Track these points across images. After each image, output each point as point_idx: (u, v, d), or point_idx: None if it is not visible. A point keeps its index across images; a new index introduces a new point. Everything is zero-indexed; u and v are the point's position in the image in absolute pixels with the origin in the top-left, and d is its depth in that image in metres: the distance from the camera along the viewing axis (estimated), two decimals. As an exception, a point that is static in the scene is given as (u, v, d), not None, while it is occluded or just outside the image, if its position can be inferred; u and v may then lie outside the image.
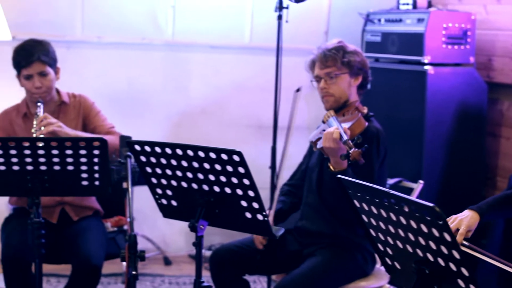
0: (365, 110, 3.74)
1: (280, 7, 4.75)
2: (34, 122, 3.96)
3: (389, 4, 5.63)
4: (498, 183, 5.25)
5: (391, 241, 2.55)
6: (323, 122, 3.77)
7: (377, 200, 2.45)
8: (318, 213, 3.84)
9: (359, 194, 2.54)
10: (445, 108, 5.08)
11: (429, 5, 5.28)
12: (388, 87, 5.30)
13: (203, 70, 6.04)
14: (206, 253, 5.52)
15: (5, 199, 5.15)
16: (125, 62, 5.85)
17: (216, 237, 6.02)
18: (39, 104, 4.06)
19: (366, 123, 3.60)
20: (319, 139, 3.57)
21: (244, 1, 5.97)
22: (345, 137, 3.33)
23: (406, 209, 2.34)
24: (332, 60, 3.76)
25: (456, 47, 5.11)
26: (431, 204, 2.25)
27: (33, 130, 3.91)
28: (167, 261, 5.89)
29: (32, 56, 4.07)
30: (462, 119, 5.12)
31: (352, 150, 3.28)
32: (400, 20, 5.26)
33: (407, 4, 5.32)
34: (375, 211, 2.50)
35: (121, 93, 5.83)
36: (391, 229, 2.48)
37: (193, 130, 6.03)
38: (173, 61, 5.96)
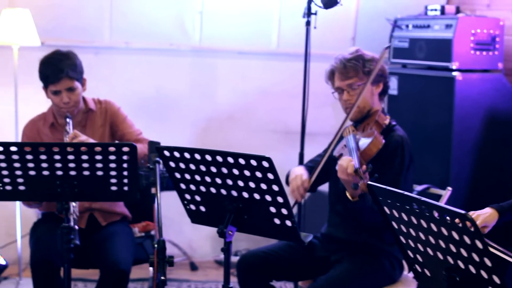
0: (387, 120, 3.72)
1: (309, 13, 4.74)
2: (65, 139, 3.96)
3: (417, 10, 5.62)
4: (527, 190, 5.23)
5: (421, 248, 2.54)
6: (343, 136, 3.76)
7: (407, 207, 2.44)
8: (346, 221, 3.83)
9: (389, 201, 2.54)
10: (473, 114, 5.06)
11: (457, 11, 5.27)
12: (416, 93, 5.29)
13: (230, 75, 6.06)
14: (232, 258, 5.50)
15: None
16: (153, 67, 5.88)
17: (242, 243, 6.02)
18: (68, 120, 4.06)
19: (383, 141, 3.56)
20: (341, 155, 3.57)
21: (271, 7, 5.98)
22: (356, 165, 3.31)
23: (437, 216, 2.33)
24: (353, 70, 3.73)
25: (484, 53, 5.09)
26: (463, 211, 2.24)
27: None
28: (193, 267, 5.90)
29: (61, 72, 4.05)
30: (490, 125, 5.10)
31: (360, 182, 3.28)
32: (428, 26, 5.25)
33: (435, 10, 5.31)
34: (405, 217, 2.49)
35: (149, 99, 5.86)
36: (422, 236, 2.48)
37: (220, 135, 6.05)
38: (200, 66, 5.98)
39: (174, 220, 5.71)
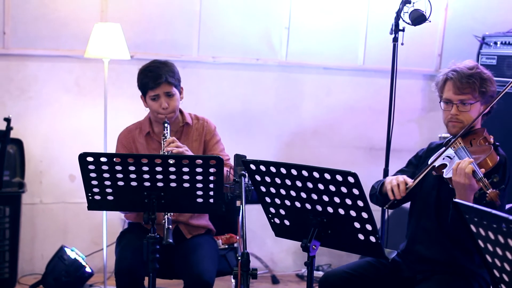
0: (492, 139, 3.61)
1: (396, 29, 4.72)
2: (162, 144, 4.04)
3: (505, 27, 5.56)
4: None
5: (508, 268, 2.51)
6: (449, 147, 3.62)
7: (494, 226, 2.41)
8: (435, 239, 3.73)
9: (476, 219, 2.51)
10: (562, 133, 4.97)
11: (547, 28, 5.20)
12: (503, 111, 5.20)
13: (315, 91, 6.08)
14: (314, 273, 5.50)
15: (120, 214, 5.30)
16: (239, 82, 5.95)
17: (324, 257, 6.02)
18: (166, 125, 4.14)
19: (498, 157, 3.46)
20: (443, 165, 3.51)
21: (357, 23, 5.99)
22: (479, 175, 3.24)
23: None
24: (470, 88, 3.63)
25: None
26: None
27: (161, 152, 4.00)
28: (274, 280, 5.92)
29: (160, 78, 4.14)
30: None
31: (489, 190, 3.19)
32: (517, 44, 5.20)
33: (525, 27, 5.26)
34: (492, 236, 2.46)
35: (234, 112, 5.92)
36: (509, 255, 2.44)
37: (304, 150, 6.07)
38: (286, 81, 6.02)
39: (257, 233, 5.76)
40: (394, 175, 3.80)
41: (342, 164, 5.67)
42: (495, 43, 5.39)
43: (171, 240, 3.64)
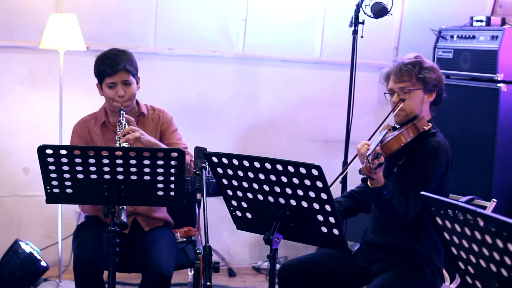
0: (427, 127, 3.70)
1: (356, 22, 4.73)
2: (118, 131, 4.00)
3: (462, 21, 5.60)
4: None
5: (473, 260, 2.52)
6: (377, 132, 3.76)
7: (461, 218, 2.42)
8: (386, 226, 3.79)
9: (442, 212, 2.52)
10: (517, 126, 5.02)
11: (503, 22, 5.24)
12: (459, 104, 5.26)
13: (273, 83, 6.07)
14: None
15: (75, 207, 5.25)
16: (196, 74, 5.91)
17: (280, 250, 5.94)
18: (122, 112, 4.09)
19: (408, 139, 3.60)
20: None
21: (315, 15, 5.98)
22: (367, 152, 3.37)
23: (493, 228, 2.31)
24: (408, 75, 3.73)
25: (529, 65, 5.05)
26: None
27: (117, 138, 3.96)
28: (231, 273, 5.91)
29: (118, 65, 4.10)
30: (535, 138, 5.05)
31: (363, 165, 3.37)
32: (473, 37, 5.23)
33: (481, 21, 5.29)
34: (458, 229, 2.47)
35: (191, 105, 5.88)
36: (475, 247, 2.45)
37: (261, 142, 6.06)
38: (243, 74, 6.00)
39: (213, 226, 5.73)
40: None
41: (298, 157, 5.67)
42: (452, 36, 5.43)
43: (124, 220, 3.58)
